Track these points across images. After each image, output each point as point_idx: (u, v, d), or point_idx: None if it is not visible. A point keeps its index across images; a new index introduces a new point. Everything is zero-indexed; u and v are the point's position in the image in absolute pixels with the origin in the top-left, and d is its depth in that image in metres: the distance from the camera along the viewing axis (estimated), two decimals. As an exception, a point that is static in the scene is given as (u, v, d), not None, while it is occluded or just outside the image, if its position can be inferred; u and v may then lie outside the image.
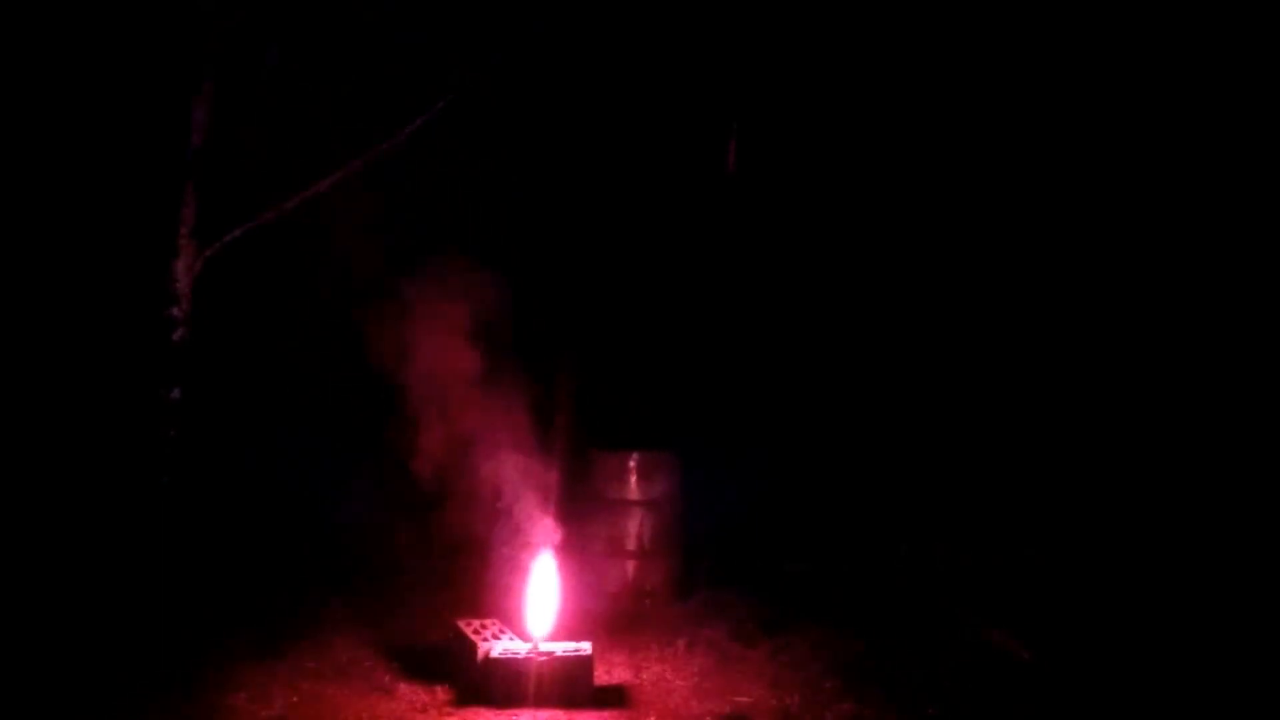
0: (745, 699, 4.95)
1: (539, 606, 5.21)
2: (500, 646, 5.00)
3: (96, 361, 7.19)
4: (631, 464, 6.84)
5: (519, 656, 4.91)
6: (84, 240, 7.15)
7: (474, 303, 6.31)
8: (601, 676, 5.12)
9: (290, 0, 6.96)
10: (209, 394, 7.16)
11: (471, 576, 6.24)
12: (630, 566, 6.79)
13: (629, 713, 4.83)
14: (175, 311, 6.81)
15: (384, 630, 5.79)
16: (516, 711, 4.77)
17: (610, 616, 6.10)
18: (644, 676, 5.28)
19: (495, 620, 5.35)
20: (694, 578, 6.85)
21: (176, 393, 6.79)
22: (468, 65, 7.27)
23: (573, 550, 5.93)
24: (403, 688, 5.02)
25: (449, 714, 4.78)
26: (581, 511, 6.66)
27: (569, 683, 4.87)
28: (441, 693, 4.97)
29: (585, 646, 5.01)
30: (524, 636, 5.13)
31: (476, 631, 5.16)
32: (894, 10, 8.14)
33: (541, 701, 4.80)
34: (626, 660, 5.48)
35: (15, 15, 6.76)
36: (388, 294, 6.43)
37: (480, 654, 4.97)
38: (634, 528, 6.81)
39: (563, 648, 4.99)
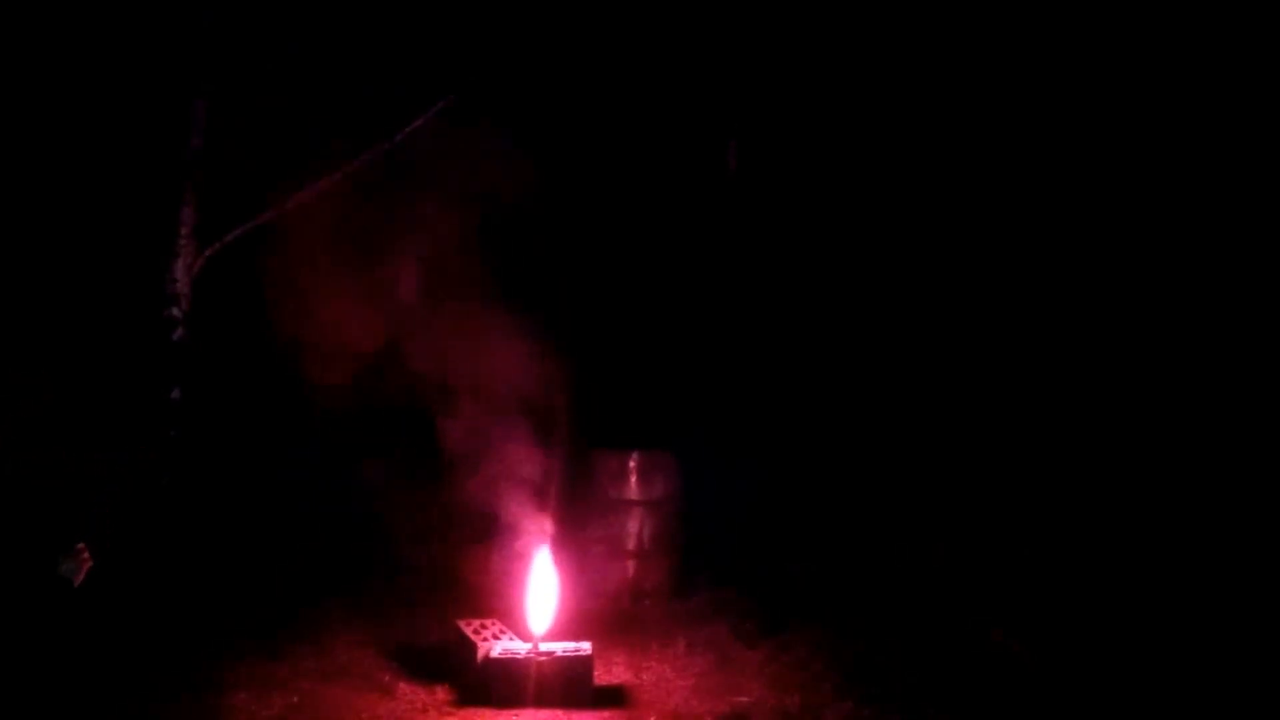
0: (745, 699, 4.95)
1: (539, 606, 5.21)
2: (500, 646, 5.00)
3: (96, 361, 7.18)
4: (631, 464, 6.85)
5: (519, 656, 4.91)
6: (84, 241, 7.15)
7: (473, 304, 6.33)
8: (601, 676, 5.12)
9: (289, 1, 6.96)
10: (210, 394, 7.16)
11: (471, 576, 6.24)
12: (630, 566, 6.80)
13: (629, 713, 4.83)
14: (175, 311, 6.81)
15: (384, 630, 5.79)
16: (516, 711, 4.77)
17: (610, 616, 6.10)
18: (644, 676, 5.28)
19: (495, 620, 5.35)
20: (694, 578, 6.85)
21: (176, 393, 6.80)
22: (468, 66, 7.27)
23: (573, 550, 5.94)
24: (403, 688, 5.03)
25: (449, 714, 4.78)
26: (582, 511, 6.67)
27: (569, 683, 4.87)
28: (441, 693, 4.97)
29: (585, 646, 5.01)
30: (524, 636, 5.13)
31: (476, 631, 5.17)
32: (894, 12, 8.13)
33: (541, 701, 4.80)
34: (626, 660, 5.48)
35: (15, 16, 6.75)
36: (386, 295, 6.45)
37: (480, 654, 4.97)
38: (634, 528, 6.82)
39: (563, 648, 4.99)
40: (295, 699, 4.84)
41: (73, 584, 4.70)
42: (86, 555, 4.76)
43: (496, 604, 5.61)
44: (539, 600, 5.23)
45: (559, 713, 4.77)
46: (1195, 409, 7.09)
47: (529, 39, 7.48)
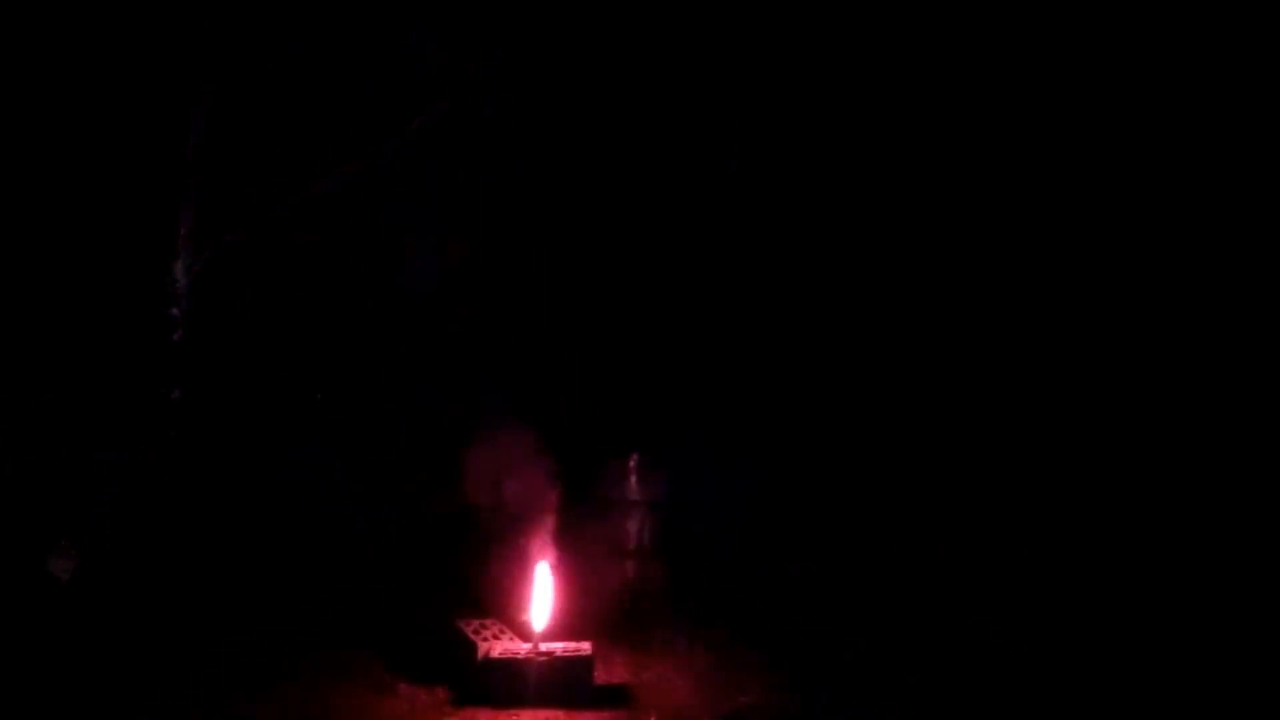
0: (745, 698, 4.95)
1: (539, 606, 5.21)
2: (500, 646, 5.00)
3: (96, 361, 7.18)
4: (631, 465, 6.86)
5: (519, 656, 4.91)
6: (84, 241, 7.15)
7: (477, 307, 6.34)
8: (601, 676, 5.11)
9: (290, 2, 6.97)
10: (210, 394, 7.15)
11: (471, 576, 6.24)
12: (630, 566, 6.81)
13: (629, 712, 4.83)
14: (175, 311, 6.82)
15: (384, 630, 5.79)
16: (516, 711, 4.77)
17: (610, 616, 6.09)
18: (644, 676, 5.28)
19: (495, 620, 5.35)
20: (694, 577, 6.85)
21: (176, 393, 6.80)
22: (469, 65, 7.27)
23: (573, 550, 5.94)
24: (403, 688, 5.02)
25: (449, 714, 4.78)
26: (582, 512, 6.67)
27: (569, 683, 4.87)
28: (441, 693, 4.97)
29: (585, 646, 5.01)
30: (524, 636, 5.13)
31: (476, 631, 5.16)
32: (895, 11, 8.13)
33: (541, 701, 4.80)
34: (626, 660, 5.47)
35: (15, 16, 6.76)
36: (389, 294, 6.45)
37: (480, 654, 4.97)
38: (634, 528, 6.83)
39: (563, 647, 4.99)
40: (295, 698, 4.84)
41: (61, 581, 4.70)
42: (74, 552, 4.76)
43: (496, 604, 5.60)
44: (539, 600, 5.23)
45: (559, 713, 4.77)
46: (1193, 410, 7.10)
47: (532, 38, 7.48)
